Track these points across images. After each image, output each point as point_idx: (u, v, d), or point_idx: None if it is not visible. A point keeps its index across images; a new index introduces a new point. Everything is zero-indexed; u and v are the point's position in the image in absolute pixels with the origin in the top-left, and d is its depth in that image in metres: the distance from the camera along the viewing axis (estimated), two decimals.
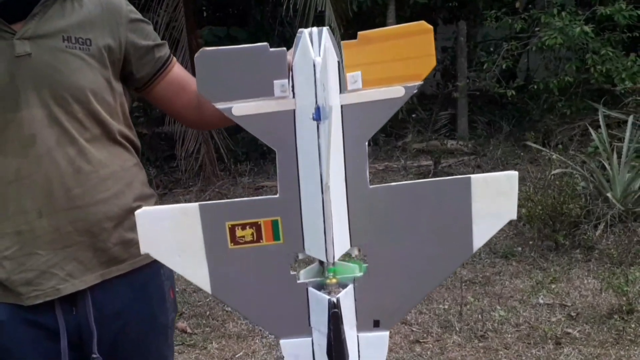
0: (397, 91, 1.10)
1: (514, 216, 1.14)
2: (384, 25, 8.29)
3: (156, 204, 1.65)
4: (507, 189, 1.15)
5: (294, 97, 1.06)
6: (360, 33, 1.07)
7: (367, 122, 1.11)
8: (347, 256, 1.18)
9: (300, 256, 1.18)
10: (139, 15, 1.62)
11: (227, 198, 6.37)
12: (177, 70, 1.65)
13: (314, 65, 1.00)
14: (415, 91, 1.11)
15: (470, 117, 8.52)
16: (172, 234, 1.11)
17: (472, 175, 1.14)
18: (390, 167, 7.36)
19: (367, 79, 1.08)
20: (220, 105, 1.05)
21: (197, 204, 1.11)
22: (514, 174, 1.14)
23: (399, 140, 8.28)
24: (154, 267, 1.60)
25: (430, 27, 1.09)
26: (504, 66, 7.61)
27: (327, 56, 0.86)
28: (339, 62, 1.06)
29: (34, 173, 1.46)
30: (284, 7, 6.26)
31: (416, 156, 7.64)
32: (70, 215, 1.49)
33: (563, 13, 7.08)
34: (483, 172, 6.86)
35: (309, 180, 1.08)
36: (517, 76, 8.96)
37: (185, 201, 6.54)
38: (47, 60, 1.47)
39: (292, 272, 1.18)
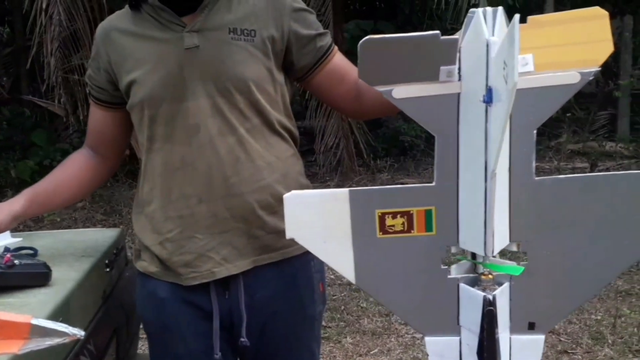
0: (572, 76, 1.04)
1: None
2: None
3: None
4: None
5: (460, 80, 1.03)
6: (530, 17, 1.02)
7: (537, 109, 1.05)
8: (503, 253, 1.13)
9: (453, 249, 1.14)
10: (302, 5, 1.64)
11: None
12: (338, 59, 1.66)
13: (487, 45, 0.96)
14: (591, 77, 1.05)
15: (633, 118, 8.03)
16: (319, 219, 1.11)
17: None
18: (542, 168, 7.05)
19: (539, 62, 1.03)
20: (381, 88, 1.03)
21: (347, 189, 1.10)
22: None
23: (552, 140, 7.90)
24: (305, 259, 1.63)
25: (606, 12, 1.03)
26: None
27: (513, 37, 0.81)
28: None
29: (196, 161, 1.54)
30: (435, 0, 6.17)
31: (570, 158, 7.28)
32: (227, 202, 1.55)
33: None
34: None
35: (471, 167, 1.04)
36: None
37: None
38: (213, 52, 1.53)
39: (443, 267, 1.14)
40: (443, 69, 1.02)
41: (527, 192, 1.08)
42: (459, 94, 1.03)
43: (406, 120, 7.66)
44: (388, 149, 7.88)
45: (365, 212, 1.11)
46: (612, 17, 8.76)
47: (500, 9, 1.01)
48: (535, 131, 1.07)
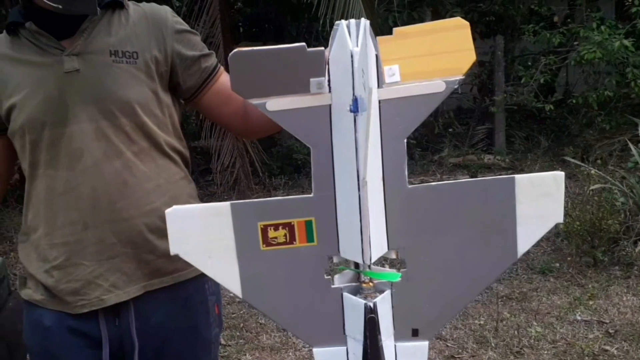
0: (437, 85, 1.06)
1: (561, 219, 1.09)
2: None
3: None
4: (553, 190, 1.10)
5: (330, 92, 1.03)
6: (396, 29, 1.04)
7: (406, 118, 1.07)
8: (384, 261, 1.13)
9: (335, 259, 1.13)
10: (185, 26, 1.61)
11: None
12: (224, 80, 1.63)
13: (352, 56, 0.97)
14: (456, 86, 1.07)
15: (508, 131, 8.44)
16: (203, 234, 1.08)
17: (516, 175, 1.10)
18: (426, 182, 7.24)
19: (405, 72, 1.05)
20: (254, 101, 1.02)
21: (229, 202, 1.08)
22: (560, 175, 1.10)
23: (435, 154, 8.22)
24: (200, 282, 1.59)
25: (467, 22, 1.06)
26: (542, 80, 7.51)
27: (366, 44, 0.82)
28: (376, 55, 1.02)
29: (80, 185, 1.48)
30: (320, 22, 6.26)
31: (452, 171, 7.58)
32: (114, 227, 1.50)
33: (602, 27, 6.96)
34: None
35: (345, 177, 1.04)
36: (556, 90, 8.82)
37: None
38: (94, 75, 1.48)
39: (326, 277, 1.13)
40: (313, 80, 1.02)
41: (400, 200, 1.08)
42: (330, 105, 1.04)
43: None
44: (282, 167, 7.90)
45: (247, 225, 1.09)
46: (485, 37, 9.22)
47: (363, 20, 1.02)
48: (405, 140, 1.08)
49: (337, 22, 1.05)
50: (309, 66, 1.02)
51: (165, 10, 1.61)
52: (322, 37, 8.01)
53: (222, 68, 1.65)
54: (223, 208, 1.08)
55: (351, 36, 1.00)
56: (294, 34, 8.76)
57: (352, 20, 1.03)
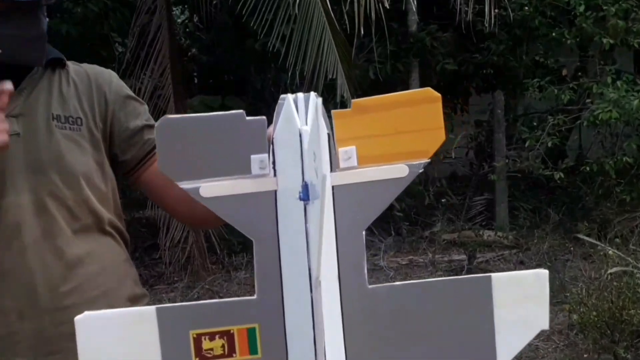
0: (399, 170, 1.07)
1: (546, 325, 1.10)
2: None
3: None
4: (536, 292, 1.11)
5: (275, 175, 1.04)
6: (354, 101, 1.06)
7: (364, 207, 1.08)
8: None
9: None
10: (130, 93, 1.68)
11: (220, 296, 6.28)
12: None
13: (300, 136, 0.98)
14: (421, 170, 1.09)
15: (511, 203, 8.52)
16: (122, 346, 1.06)
17: (493, 274, 1.11)
18: (416, 262, 7.29)
19: (363, 155, 1.06)
20: (185, 185, 1.03)
21: (154, 307, 1.07)
22: (543, 273, 1.11)
23: (425, 229, 8.29)
24: None
25: (438, 95, 1.07)
26: (549, 144, 7.64)
27: (317, 124, 0.84)
28: (329, 134, 1.04)
29: (17, 268, 1.48)
30: (289, 74, 6.36)
31: (447, 249, 7.60)
32: (55, 317, 1.50)
33: (618, 82, 7.13)
34: (527, 269, 6.59)
35: (295, 276, 1.04)
36: (567, 155, 8.94)
37: (170, 300, 6.47)
38: (36, 141, 1.52)
39: None
40: (254, 158, 1.03)
41: (360, 303, 1.09)
42: (275, 192, 1.05)
43: None
44: (245, 242, 7.85)
45: (177, 335, 1.08)
46: (483, 92, 9.38)
47: (312, 94, 1.05)
48: (364, 232, 1.09)
49: (282, 96, 1.07)
50: (249, 139, 1.03)
51: (110, 73, 1.68)
52: (290, 91, 8.11)
53: None
54: (147, 313, 1.07)
55: (299, 112, 1.02)
56: (259, 86, 8.89)
57: (300, 94, 1.05)
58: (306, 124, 1.00)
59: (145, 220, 8.12)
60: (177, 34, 8.83)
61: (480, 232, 7.76)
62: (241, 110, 1.03)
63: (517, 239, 7.82)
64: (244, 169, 1.04)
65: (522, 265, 7.03)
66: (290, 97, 1.05)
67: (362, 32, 6.19)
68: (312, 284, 1.00)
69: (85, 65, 1.69)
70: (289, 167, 1.02)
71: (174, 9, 8.66)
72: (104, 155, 1.60)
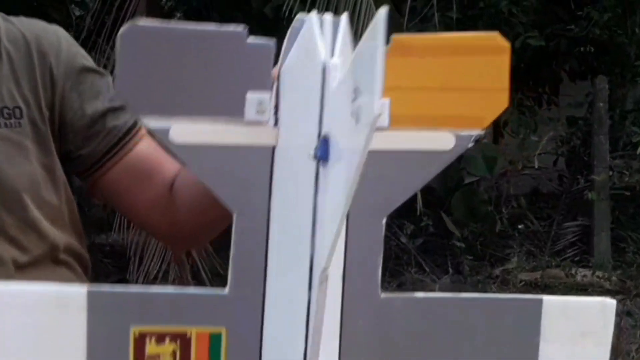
0: (443, 140, 0.90)
1: None
2: None
3: None
4: (599, 327, 0.98)
5: (276, 124, 0.86)
6: (395, 37, 0.86)
7: (388, 186, 0.92)
8: None
9: None
10: (87, 62, 1.41)
11: None
12: (144, 148, 1.42)
13: (324, 71, 0.79)
14: (470, 144, 0.92)
15: (615, 231, 7.24)
16: (33, 336, 0.85)
17: (545, 297, 0.97)
18: None
19: (398, 112, 0.88)
20: (152, 123, 0.82)
21: (85, 288, 0.86)
22: (610, 303, 0.97)
23: (496, 266, 7.08)
24: None
25: (507, 44, 0.91)
26: None
27: (377, 34, 0.65)
28: None
29: None
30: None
31: (525, 292, 6.37)
32: None
33: None
34: (635, 321, 6.00)
35: (287, 267, 0.86)
36: None
37: None
38: None
39: None
40: (252, 97, 0.84)
41: (368, 314, 0.93)
42: (273, 148, 0.87)
43: None
44: None
45: (113, 330, 0.88)
46: (579, 78, 7.91)
47: (345, 18, 0.85)
48: (384, 221, 0.92)
49: (298, 17, 0.89)
50: (247, 70, 0.84)
51: (56, 32, 1.40)
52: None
53: (144, 130, 1.43)
54: (74, 296, 0.86)
55: (324, 40, 0.83)
56: None
57: (328, 16, 0.86)
58: (332, 55, 0.80)
59: (109, 247, 7.34)
60: None
61: (573, 271, 6.63)
62: (242, 27, 0.83)
63: (623, 281, 6.60)
64: (234, 110, 0.85)
65: (629, 316, 6.12)
66: (313, 17, 0.85)
67: None
68: (314, 280, 0.81)
69: (20, 22, 1.40)
70: (300, 115, 0.84)
71: None
72: (54, 155, 1.36)
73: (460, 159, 6.30)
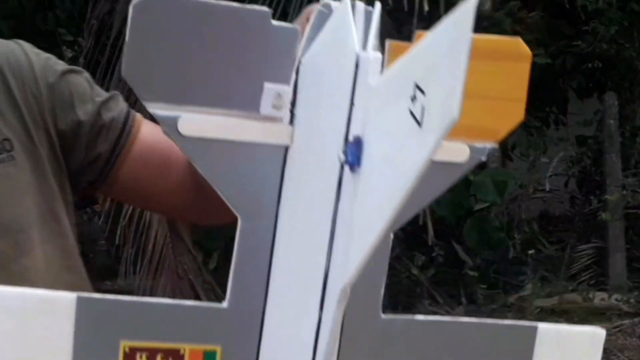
0: (458, 151, 0.86)
1: None
2: None
3: None
4: (588, 354, 0.98)
5: (291, 122, 0.80)
6: (419, 33, 0.81)
7: None
8: None
9: None
10: (63, 66, 1.31)
11: None
12: (146, 132, 1.33)
13: (357, 64, 0.72)
14: (483, 158, 0.88)
15: (631, 252, 6.98)
16: (17, 342, 0.79)
17: (540, 325, 0.97)
18: None
19: None
20: (158, 110, 0.76)
21: (75, 294, 0.80)
22: (599, 333, 0.98)
23: (511, 292, 6.76)
24: None
25: (529, 52, 0.87)
26: None
27: (467, 20, 0.59)
28: None
29: None
30: None
31: (542, 319, 6.34)
32: None
33: None
34: None
35: (295, 281, 0.81)
36: None
37: None
38: None
39: None
40: (269, 87, 0.78)
41: (367, 334, 0.88)
42: (286, 148, 0.81)
43: None
44: None
45: (101, 343, 0.82)
46: (587, 95, 7.62)
47: (378, 6, 0.78)
48: (392, 235, 0.88)
49: (324, 1, 0.81)
50: (269, 56, 0.78)
51: (22, 47, 1.31)
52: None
53: (137, 116, 1.36)
54: (62, 302, 0.80)
55: (356, 29, 0.77)
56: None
57: (361, 4, 0.79)
58: (364, 48, 0.73)
59: (115, 294, 7.11)
60: None
61: (590, 295, 6.30)
62: (266, 9, 0.77)
63: None
64: (250, 100, 0.79)
65: None
66: (347, 1, 0.78)
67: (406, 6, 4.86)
68: (328, 297, 0.75)
69: None
70: (324, 112, 0.78)
71: None
72: (60, 183, 1.27)
73: (469, 185, 6.21)
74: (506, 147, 7.36)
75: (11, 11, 6.08)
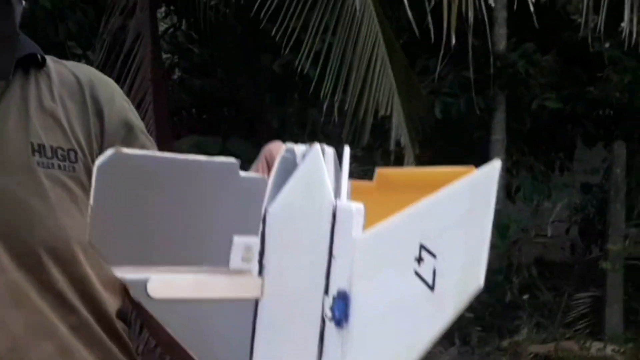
0: None
1: None
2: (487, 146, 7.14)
3: None
4: None
5: (260, 272, 0.76)
6: (380, 170, 0.80)
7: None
8: None
9: None
10: (140, 123, 1.31)
11: None
12: None
13: (334, 214, 0.70)
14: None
15: (629, 304, 6.93)
16: None
17: None
18: None
19: None
20: (128, 275, 0.71)
21: None
22: None
23: (505, 337, 6.73)
24: None
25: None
26: None
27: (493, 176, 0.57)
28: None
29: None
30: (323, 107, 5.28)
31: None
32: None
33: None
34: None
35: None
36: None
37: None
38: (7, 190, 1.15)
39: None
40: (238, 242, 0.75)
41: None
42: (257, 301, 0.76)
43: None
44: None
45: None
46: (594, 143, 7.54)
47: (347, 150, 0.76)
48: None
49: (287, 146, 0.77)
50: (238, 209, 0.75)
51: (111, 84, 1.31)
52: (322, 134, 6.81)
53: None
54: None
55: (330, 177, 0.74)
56: (276, 125, 7.23)
57: (329, 149, 0.75)
58: (338, 197, 0.71)
59: None
60: (162, 47, 7.15)
61: (586, 344, 6.22)
62: (233, 159, 0.73)
63: (636, 353, 6.28)
64: (218, 256, 0.75)
65: None
66: (317, 148, 0.74)
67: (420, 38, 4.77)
68: None
69: (73, 65, 1.30)
70: (294, 264, 0.74)
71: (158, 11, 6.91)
72: None
73: None
74: (510, 190, 7.28)
75: (22, 21, 5.82)
